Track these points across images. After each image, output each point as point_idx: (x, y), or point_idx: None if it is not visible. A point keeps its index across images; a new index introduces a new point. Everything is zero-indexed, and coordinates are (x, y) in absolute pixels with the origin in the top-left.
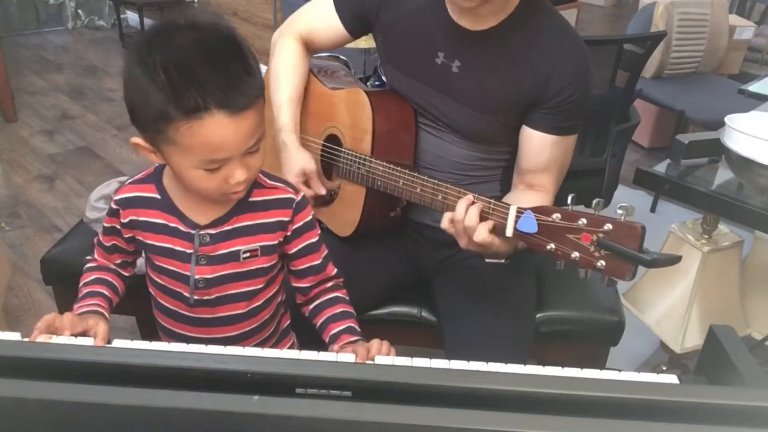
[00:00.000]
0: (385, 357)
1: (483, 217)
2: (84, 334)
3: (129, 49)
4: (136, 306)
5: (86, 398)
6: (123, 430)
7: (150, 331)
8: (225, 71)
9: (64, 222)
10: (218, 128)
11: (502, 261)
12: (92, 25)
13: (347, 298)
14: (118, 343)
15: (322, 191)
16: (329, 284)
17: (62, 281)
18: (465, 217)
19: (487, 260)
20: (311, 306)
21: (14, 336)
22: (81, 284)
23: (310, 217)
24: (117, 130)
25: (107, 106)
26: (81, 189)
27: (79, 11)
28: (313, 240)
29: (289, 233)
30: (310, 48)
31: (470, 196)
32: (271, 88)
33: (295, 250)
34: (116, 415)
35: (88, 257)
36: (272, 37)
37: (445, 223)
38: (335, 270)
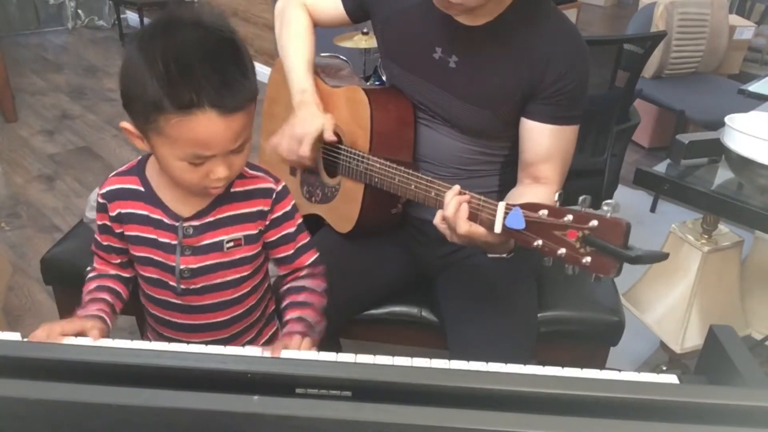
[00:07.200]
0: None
1: (472, 214)
2: (81, 334)
3: (132, 37)
4: (136, 306)
5: (86, 398)
6: (123, 430)
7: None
8: (222, 72)
9: (64, 222)
10: (208, 125)
11: (504, 255)
12: (92, 25)
13: (316, 288)
14: (118, 343)
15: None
16: (303, 272)
17: (62, 281)
18: (448, 207)
19: (489, 255)
20: (281, 290)
21: (14, 336)
22: (84, 293)
23: (289, 207)
24: (117, 130)
25: (107, 106)
26: (81, 189)
27: (79, 11)
28: (290, 230)
29: (267, 222)
30: (312, 21)
31: (456, 187)
32: (282, 55)
33: (272, 239)
34: (116, 415)
35: (89, 267)
36: (276, 7)
37: (436, 219)
38: (311, 258)
